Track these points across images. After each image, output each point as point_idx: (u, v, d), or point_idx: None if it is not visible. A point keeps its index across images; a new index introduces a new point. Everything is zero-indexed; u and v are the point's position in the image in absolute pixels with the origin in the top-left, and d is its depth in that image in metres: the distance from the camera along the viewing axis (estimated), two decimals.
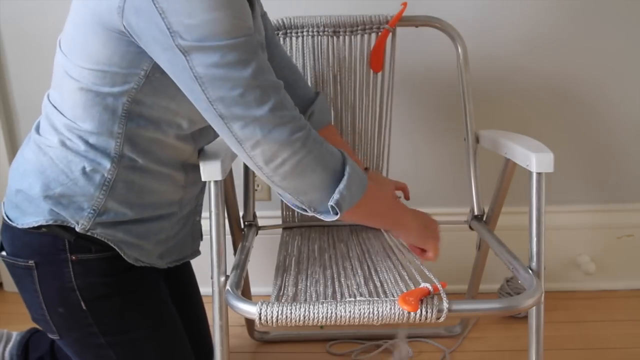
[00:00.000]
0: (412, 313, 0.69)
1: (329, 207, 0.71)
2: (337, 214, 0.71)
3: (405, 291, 0.86)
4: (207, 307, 0.96)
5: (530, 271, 0.80)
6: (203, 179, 0.80)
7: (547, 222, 0.81)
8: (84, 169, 0.74)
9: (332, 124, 1.06)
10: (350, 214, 0.75)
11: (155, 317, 0.85)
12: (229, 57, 0.62)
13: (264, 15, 0.97)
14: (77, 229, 0.75)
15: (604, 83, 1.34)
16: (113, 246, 0.78)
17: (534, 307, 0.79)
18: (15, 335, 1.01)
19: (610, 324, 1.32)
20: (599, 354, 1.21)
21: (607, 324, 1.32)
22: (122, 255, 0.79)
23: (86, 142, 0.74)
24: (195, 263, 1.03)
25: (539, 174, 0.80)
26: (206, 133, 0.84)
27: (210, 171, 0.80)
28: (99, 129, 0.73)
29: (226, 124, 0.66)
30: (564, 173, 1.40)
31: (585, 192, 1.43)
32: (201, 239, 0.99)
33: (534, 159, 0.80)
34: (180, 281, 0.99)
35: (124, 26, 0.64)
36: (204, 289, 0.96)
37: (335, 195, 0.70)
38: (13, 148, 1.44)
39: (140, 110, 0.73)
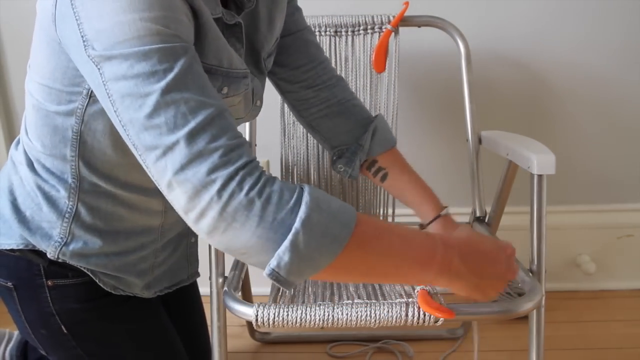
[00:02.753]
0: (409, 316, 0.69)
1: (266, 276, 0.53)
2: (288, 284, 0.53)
3: (403, 294, 0.87)
4: (205, 307, 0.96)
5: (530, 274, 0.80)
6: None
7: (547, 222, 0.80)
8: (46, 194, 0.70)
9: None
10: (325, 277, 0.55)
11: (144, 337, 0.81)
12: (138, 67, 0.50)
13: (303, 30, 0.89)
14: (49, 256, 0.71)
15: (605, 83, 1.33)
16: (88, 273, 0.73)
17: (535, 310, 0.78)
18: (16, 335, 1.00)
19: (610, 324, 1.32)
20: (599, 354, 1.21)
21: (607, 324, 1.32)
22: (98, 282, 0.74)
23: (43, 166, 0.70)
24: None
25: (539, 176, 0.79)
26: None
27: None
28: (51, 152, 0.68)
29: (140, 155, 0.52)
30: (564, 173, 1.39)
31: (585, 192, 1.43)
32: (198, 262, 0.94)
33: (535, 161, 0.79)
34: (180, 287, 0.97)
35: (58, 37, 0.58)
36: (202, 289, 0.96)
37: (272, 262, 0.51)
38: None
39: (93, 132, 0.66)
